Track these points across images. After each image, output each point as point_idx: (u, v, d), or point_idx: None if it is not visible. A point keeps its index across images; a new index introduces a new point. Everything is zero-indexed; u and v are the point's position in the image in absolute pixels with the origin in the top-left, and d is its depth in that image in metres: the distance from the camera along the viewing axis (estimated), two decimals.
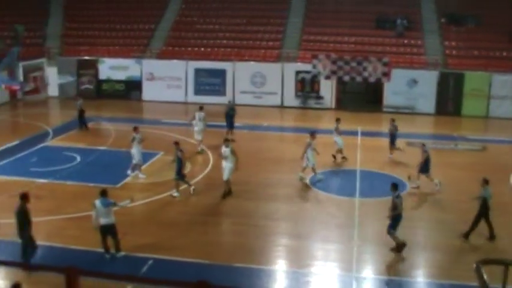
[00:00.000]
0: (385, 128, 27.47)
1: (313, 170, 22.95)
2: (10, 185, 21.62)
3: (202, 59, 40.15)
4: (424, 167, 21.82)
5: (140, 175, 23.06)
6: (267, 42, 41.50)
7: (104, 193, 15.73)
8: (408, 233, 17.75)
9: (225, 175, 20.81)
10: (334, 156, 25.54)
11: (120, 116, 34.75)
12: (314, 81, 38.09)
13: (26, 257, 15.00)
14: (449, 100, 36.81)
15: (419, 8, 42.34)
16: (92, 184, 21.50)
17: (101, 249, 15.86)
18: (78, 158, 25.47)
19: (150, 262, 15.68)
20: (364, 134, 30.65)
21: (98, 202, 15.57)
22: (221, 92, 38.94)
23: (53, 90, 41.23)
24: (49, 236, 16.82)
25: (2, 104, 37.40)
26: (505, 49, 38.25)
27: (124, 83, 40.63)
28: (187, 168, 23.71)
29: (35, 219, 15.33)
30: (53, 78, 41.15)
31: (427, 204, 21.28)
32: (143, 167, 23.61)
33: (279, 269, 16.08)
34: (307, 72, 37.74)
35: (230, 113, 29.08)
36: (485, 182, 17.38)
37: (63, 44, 43.44)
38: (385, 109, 36.92)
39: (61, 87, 40.95)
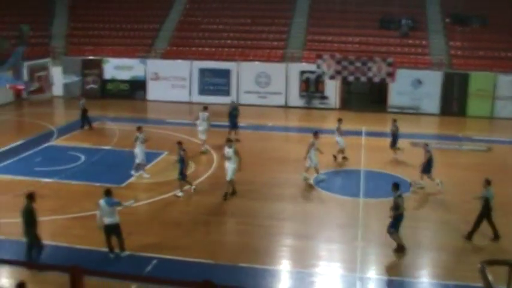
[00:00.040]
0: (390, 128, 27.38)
1: (316, 170, 22.93)
2: (15, 185, 21.68)
3: (207, 59, 40.18)
4: (427, 167, 21.80)
5: (144, 175, 23.08)
6: (272, 42, 41.50)
7: (108, 193, 15.74)
8: (413, 233, 17.75)
9: (228, 175, 20.80)
10: (335, 157, 25.54)
11: (125, 116, 34.81)
12: (318, 81, 38.07)
13: (31, 256, 15.03)
14: (454, 100, 36.75)
15: (424, 8, 42.29)
16: (96, 184, 21.54)
17: (106, 249, 15.88)
18: (83, 158, 25.51)
19: (154, 262, 15.69)
20: (368, 134, 30.63)
21: (102, 202, 15.59)
22: (226, 92, 38.96)
23: (57, 90, 41.32)
24: (54, 236, 16.85)
25: (7, 103, 37.50)
26: (510, 49, 38.17)
27: (128, 83, 40.69)
28: (192, 168, 23.74)
29: (39, 218, 15.35)
30: (58, 77, 41.25)
31: (431, 204, 21.23)
32: (147, 166, 23.65)
33: (283, 269, 16.07)
34: (312, 72, 37.72)
35: (233, 113, 29.08)
36: (488, 182, 17.35)
37: (68, 44, 43.53)
38: (389, 109, 36.87)
39: (66, 86, 41.05)
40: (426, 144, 22.62)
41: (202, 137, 26.76)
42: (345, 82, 38.59)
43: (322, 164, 23.50)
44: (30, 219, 14.95)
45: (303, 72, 38.39)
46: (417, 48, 39.72)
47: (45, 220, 17.31)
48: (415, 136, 29.01)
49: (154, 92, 40.14)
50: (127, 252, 16.03)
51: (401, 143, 26.64)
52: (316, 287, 15.07)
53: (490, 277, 8.15)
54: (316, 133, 23.12)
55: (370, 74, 36.26)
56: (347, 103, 39.21)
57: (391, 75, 36.12)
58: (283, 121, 36.50)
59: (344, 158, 25.60)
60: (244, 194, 21.20)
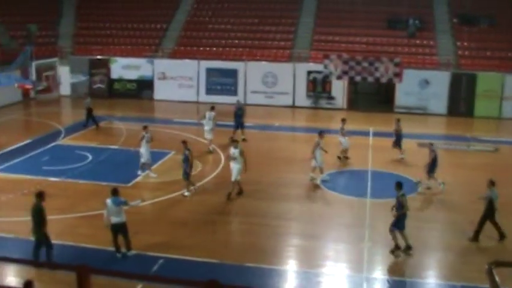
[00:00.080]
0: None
1: (320, 169, 22.90)
2: (22, 183, 21.78)
3: (214, 59, 40.20)
4: (431, 167, 21.76)
5: (151, 174, 23.12)
6: (279, 42, 41.49)
7: (115, 192, 15.79)
8: (419, 233, 17.72)
9: (233, 176, 20.79)
10: (340, 158, 25.53)
11: (132, 115, 34.88)
12: (325, 81, 38.00)
13: (38, 255, 15.07)
14: (461, 101, 36.62)
15: (432, 8, 42.15)
16: (103, 183, 21.61)
17: (113, 248, 15.93)
18: (90, 157, 25.59)
19: (161, 261, 15.72)
20: (375, 134, 30.56)
21: (109, 201, 15.64)
22: (233, 92, 38.96)
23: (65, 90, 41.47)
24: (61, 235, 16.89)
25: (15, 103, 37.64)
26: None
27: (136, 83, 40.76)
28: (199, 167, 23.80)
29: (47, 217, 15.40)
30: (65, 77, 41.39)
31: (438, 205, 21.17)
32: (153, 166, 23.69)
33: (290, 269, 16.07)
34: (319, 72, 37.67)
35: (238, 113, 29.06)
36: (492, 183, 17.30)
37: (75, 44, 43.66)
38: (396, 110, 36.76)
39: (73, 86, 41.18)
40: (431, 144, 22.58)
41: (209, 136, 26.79)
42: (352, 82, 38.53)
43: (327, 165, 23.48)
44: (39, 218, 15.02)
45: (310, 72, 38.35)
46: (425, 48, 39.62)
47: (53, 219, 17.35)
48: (422, 136, 28.92)
49: (161, 91, 40.21)
50: (133, 252, 16.06)
51: (408, 143, 26.57)
52: (322, 287, 15.07)
53: (497, 278, 8.11)
54: (321, 133, 23.10)
55: (377, 74, 36.17)
56: (354, 103, 39.15)
57: (398, 75, 36.02)
58: (290, 121, 36.48)
59: (346, 157, 25.58)
60: (250, 193, 21.20)
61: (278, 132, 32.08)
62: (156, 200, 20.57)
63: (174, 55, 41.35)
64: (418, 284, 15.30)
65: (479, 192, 18.09)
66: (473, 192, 20.07)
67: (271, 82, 38.88)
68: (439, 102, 36.67)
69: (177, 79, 39.99)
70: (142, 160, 23.05)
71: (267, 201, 20.79)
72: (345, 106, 38.14)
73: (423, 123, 34.14)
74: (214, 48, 41.47)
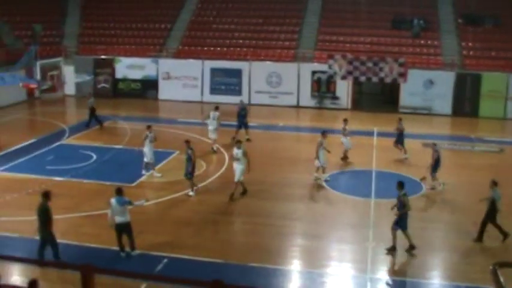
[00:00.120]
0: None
1: (323, 169, 22.89)
2: (27, 183, 21.82)
3: (218, 59, 40.22)
4: (434, 167, 21.73)
5: (155, 174, 23.14)
6: (283, 42, 41.49)
7: (119, 191, 15.80)
8: (423, 234, 17.70)
9: (236, 176, 20.78)
10: (346, 157, 25.53)
11: (136, 115, 34.91)
12: (330, 81, 37.98)
13: (43, 254, 15.09)
14: (466, 101, 36.54)
15: (436, 8, 42.08)
16: (107, 182, 21.65)
17: (117, 247, 15.94)
18: (95, 157, 25.62)
19: (165, 261, 15.73)
20: (380, 134, 30.52)
21: (113, 200, 15.64)
22: (237, 92, 38.95)
23: (69, 89, 41.57)
24: (65, 234, 16.91)
25: (19, 102, 37.74)
26: None
27: (140, 82, 40.82)
28: (203, 167, 23.81)
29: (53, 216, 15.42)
30: (70, 77, 41.50)
31: (443, 205, 21.14)
32: (158, 166, 23.71)
33: (294, 269, 16.06)
34: (323, 72, 37.67)
35: (241, 113, 29.06)
36: (494, 183, 17.27)
37: (80, 43, 43.73)
38: (401, 110, 36.69)
39: (78, 86, 41.26)
40: (434, 144, 22.56)
41: (213, 136, 26.82)
42: (356, 82, 38.51)
43: (331, 165, 23.46)
44: (45, 217, 15.04)
45: (314, 73, 38.33)
46: (429, 48, 39.56)
47: (57, 218, 17.34)
48: (427, 137, 28.89)
49: (165, 91, 40.25)
50: (138, 251, 16.07)
51: (413, 143, 26.53)
52: (326, 287, 15.08)
53: (501, 279, 8.10)
54: (324, 132, 23.09)
55: (382, 75, 36.16)
56: (358, 103, 39.13)
57: (402, 75, 36.00)
58: (294, 121, 36.46)
59: (345, 157, 25.53)
60: (254, 193, 21.20)
61: (282, 132, 32.08)
62: (160, 199, 20.58)
63: (178, 55, 41.39)
64: (422, 284, 15.27)
65: (483, 193, 18.05)
66: (477, 192, 20.01)
67: (276, 82, 38.88)
68: (443, 102, 36.60)
69: (182, 79, 40.02)
70: (146, 160, 23.08)
71: (271, 201, 20.78)
72: (349, 106, 38.11)
73: (428, 124, 34.10)
74: (219, 48, 41.49)
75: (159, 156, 24.01)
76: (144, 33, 43.47)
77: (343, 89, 38.11)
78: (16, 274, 14.65)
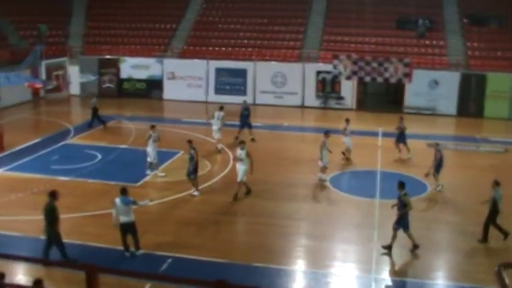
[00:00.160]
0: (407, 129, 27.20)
1: (325, 168, 22.88)
2: (32, 182, 21.88)
3: (223, 59, 40.24)
4: (437, 167, 21.70)
5: (159, 173, 23.17)
6: (288, 42, 41.48)
7: (124, 191, 15.83)
8: (427, 234, 17.68)
9: (239, 177, 20.78)
10: (348, 158, 25.53)
11: (141, 115, 34.95)
12: (335, 81, 37.96)
13: (48, 254, 15.13)
14: (471, 101, 36.45)
15: (441, 8, 42.00)
16: (112, 182, 21.69)
17: (121, 247, 15.96)
18: (99, 156, 25.67)
19: (169, 260, 15.75)
20: (384, 135, 30.47)
21: (118, 200, 15.67)
22: (242, 92, 38.95)
23: (74, 89, 41.65)
24: (70, 233, 16.92)
25: (24, 102, 37.84)
26: None
27: (145, 82, 40.87)
28: (207, 167, 23.82)
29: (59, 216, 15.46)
30: (75, 76, 41.56)
31: (446, 206, 21.08)
32: (162, 166, 23.73)
33: (298, 269, 16.06)
34: (328, 72, 37.63)
35: (244, 113, 29.05)
36: (496, 183, 17.24)
37: (85, 43, 43.83)
38: (406, 110, 36.64)
39: (83, 85, 41.33)
40: (437, 144, 22.52)
41: (217, 136, 26.84)
42: (361, 83, 38.46)
43: (335, 165, 23.44)
44: (51, 217, 15.08)
45: (319, 73, 38.31)
46: (434, 48, 39.49)
47: (62, 218, 17.36)
48: (432, 137, 28.80)
49: (170, 91, 40.28)
50: (142, 251, 16.10)
51: (418, 143, 26.47)
52: None
53: (506, 280, 8.07)
54: (327, 132, 23.10)
55: (387, 75, 36.10)
56: (363, 104, 39.09)
57: (407, 75, 35.93)
58: (299, 121, 36.45)
59: (343, 156, 25.52)
60: (258, 193, 21.20)
61: (287, 132, 32.07)
62: (165, 199, 20.61)
63: (183, 55, 41.42)
64: (426, 285, 15.25)
65: (487, 193, 18.00)
66: (481, 193, 19.95)
67: (281, 82, 38.87)
68: (448, 102, 36.52)
69: (186, 79, 40.06)
70: (149, 159, 23.11)
71: (275, 201, 20.78)
72: (354, 106, 38.07)
73: (432, 124, 34.03)
74: (224, 48, 41.51)
75: (163, 156, 24.03)
76: (149, 33, 43.52)
77: (348, 89, 38.08)
78: (21, 273, 14.70)
